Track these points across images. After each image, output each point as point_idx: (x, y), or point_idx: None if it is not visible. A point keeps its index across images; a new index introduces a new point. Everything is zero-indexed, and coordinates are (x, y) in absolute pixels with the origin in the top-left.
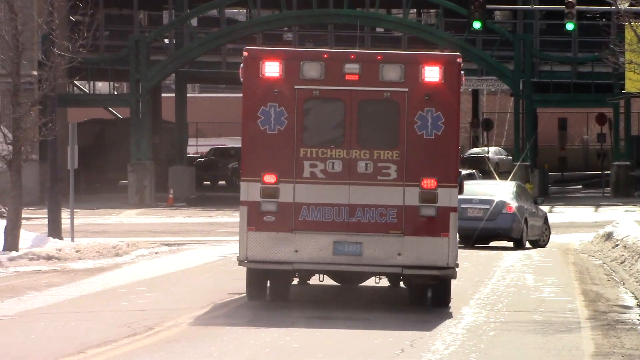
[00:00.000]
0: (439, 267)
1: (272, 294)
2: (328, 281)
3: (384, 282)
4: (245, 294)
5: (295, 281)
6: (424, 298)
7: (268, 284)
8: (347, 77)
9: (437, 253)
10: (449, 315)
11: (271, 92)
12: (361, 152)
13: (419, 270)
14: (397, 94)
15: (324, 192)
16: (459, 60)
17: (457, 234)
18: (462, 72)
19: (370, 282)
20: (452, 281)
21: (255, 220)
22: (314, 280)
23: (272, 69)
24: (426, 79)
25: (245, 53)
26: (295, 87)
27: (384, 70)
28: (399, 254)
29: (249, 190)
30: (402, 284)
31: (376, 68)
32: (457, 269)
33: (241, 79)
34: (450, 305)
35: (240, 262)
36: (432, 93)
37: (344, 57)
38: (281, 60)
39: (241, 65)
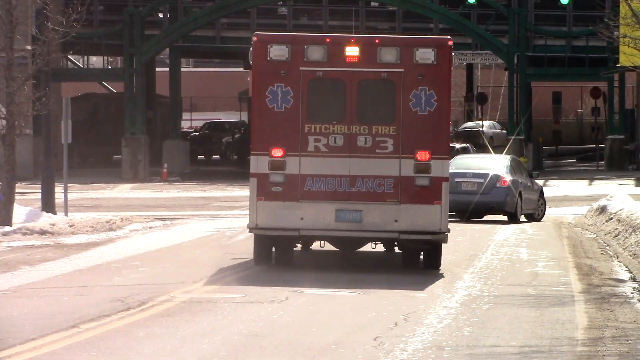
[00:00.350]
0: (432, 232)
1: (278, 258)
2: (328, 247)
3: (380, 248)
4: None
5: (299, 247)
6: (417, 262)
7: (273, 250)
8: (348, 60)
9: (430, 219)
10: (443, 289)
11: (278, 73)
12: (361, 127)
13: (414, 235)
14: (394, 74)
15: (327, 165)
16: (450, 43)
17: (451, 207)
18: (452, 53)
19: (367, 247)
20: (447, 255)
21: (264, 190)
22: (315, 245)
23: (279, 52)
24: (420, 61)
25: (254, 38)
26: (301, 68)
27: (381, 52)
28: (396, 221)
29: (258, 163)
30: (396, 249)
31: (374, 51)
32: (448, 234)
33: (250, 62)
34: (440, 267)
35: (251, 229)
36: (426, 73)
37: (344, 41)
38: (287, 44)
39: (250, 49)
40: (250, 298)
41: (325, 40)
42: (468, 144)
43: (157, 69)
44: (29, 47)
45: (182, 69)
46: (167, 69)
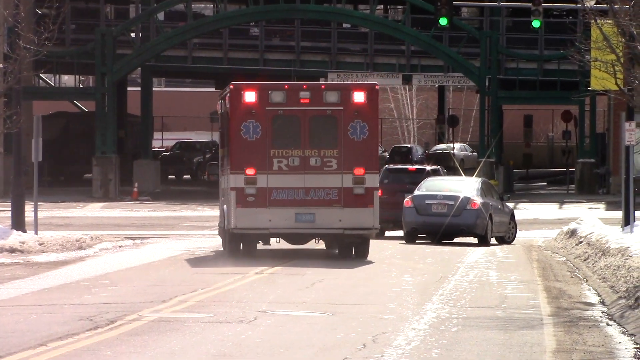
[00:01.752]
0: (367, 228)
1: (244, 251)
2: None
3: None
4: (211, 284)
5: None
6: (350, 254)
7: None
8: (301, 101)
9: (365, 219)
10: (412, 311)
11: (250, 112)
12: (312, 151)
13: (354, 231)
14: (336, 111)
15: (287, 180)
16: (377, 87)
17: (422, 229)
18: (378, 95)
19: (311, 244)
20: (417, 277)
21: (241, 200)
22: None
23: (250, 96)
24: (355, 101)
25: (231, 86)
26: (266, 108)
27: (326, 95)
28: (340, 220)
29: (236, 180)
30: (332, 245)
31: (321, 94)
32: (377, 230)
33: (227, 105)
34: (368, 257)
35: (232, 229)
36: (359, 110)
37: (299, 87)
38: (256, 90)
39: (227, 94)
40: (219, 318)
41: (284, 87)
42: (439, 166)
43: (128, 88)
44: (0, 65)
45: (154, 89)
46: (139, 89)
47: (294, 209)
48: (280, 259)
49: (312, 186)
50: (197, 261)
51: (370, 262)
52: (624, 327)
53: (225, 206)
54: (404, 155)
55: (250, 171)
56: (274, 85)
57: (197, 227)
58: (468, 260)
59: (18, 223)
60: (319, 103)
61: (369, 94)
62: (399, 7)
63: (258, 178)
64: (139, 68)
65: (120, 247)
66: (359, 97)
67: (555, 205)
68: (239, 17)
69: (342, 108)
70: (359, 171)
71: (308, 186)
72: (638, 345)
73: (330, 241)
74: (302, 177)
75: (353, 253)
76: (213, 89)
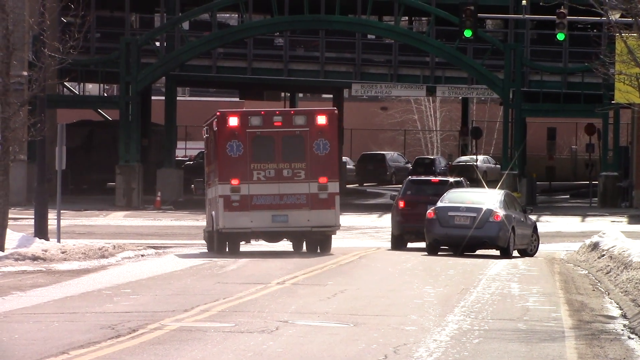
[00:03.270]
0: (330, 226)
1: (230, 250)
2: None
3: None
4: (234, 294)
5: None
6: (315, 249)
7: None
8: (275, 124)
9: (329, 218)
10: (434, 322)
11: (233, 134)
12: (284, 164)
13: (320, 229)
14: (303, 131)
15: (265, 188)
16: (336, 112)
17: (445, 241)
18: (337, 119)
19: (286, 245)
20: (439, 289)
21: (227, 205)
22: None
23: (233, 121)
24: (318, 123)
25: (217, 113)
26: (247, 130)
27: (295, 119)
28: (309, 220)
29: (224, 189)
30: (298, 246)
31: (291, 118)
32: (339, 228)
33: (215, 128)
34: (331, 252)
35: (220, 229)
36: (322, 130)
37: (273, 113)
38: (238, 116)
39: (214, 120)
40: (241, 327)
41: (261, 112)
42: (462, 178)
43: (152, 98)
44: (25, 73)
45: (178, 98)
46: (163, 98)
47: (271, 212)
48: (301, 269)
49: (285, 192)
50: (219, 271)
51: (391, 275)
52: None
53: (213, 212)
54: (427, 166)
55: (234, 181)
56: (252, 112)
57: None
58: (490, 272)
59: (41, 231)
60: (289, 125)
61: (330, 117)
62: (423, 18)
63: (241, 187)
64: (163, 77)
65: (142, 256)
66: (321, 120)
67: (578, 219)
68: (264, 27)
69: (308, 129)
70: (322, 179)
71: (282, 193)
72: None
73: (298, 240)
74: (277, 186)
75: (318, 249)
76: (237, 99)
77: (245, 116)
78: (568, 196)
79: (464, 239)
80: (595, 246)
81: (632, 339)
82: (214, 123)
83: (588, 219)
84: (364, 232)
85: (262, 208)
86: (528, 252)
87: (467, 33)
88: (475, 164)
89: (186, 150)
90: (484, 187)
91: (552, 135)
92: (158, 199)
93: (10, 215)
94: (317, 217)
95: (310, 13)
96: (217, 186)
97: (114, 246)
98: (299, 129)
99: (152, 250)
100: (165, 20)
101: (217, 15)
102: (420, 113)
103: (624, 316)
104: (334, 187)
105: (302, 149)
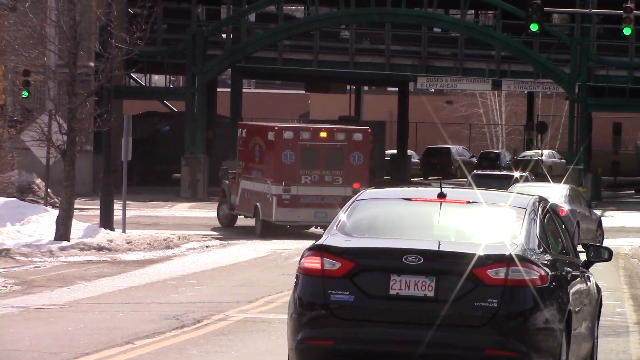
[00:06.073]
0: None
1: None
2: None
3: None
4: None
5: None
6: None
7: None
8: (321, 138)
9: None
10: None
11: (288, 145)
12: (326, 171)
13: None
14: (343, 145)
15: (310, 189)
16: (369, 130)
17: None
18: (370, 136)
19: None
20: None
21: (280, 202)
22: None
23: (288, 135)
24: (355, 139)
25: (276, 127)
26: (299, 142)
27: (337, 135)
28: None
29: (277, 189)
30: None
31: (333, 134)
32: None
33: (271, 138)
34: None
35: (274, 221)
36: (357, 145)
37: (319, 129)
38: (293, 130)
39: (274, 132)
40: None
41: (310, 128)
42: (527, 173)
43: (218, 89)
44: (92, 64)
45: (244, 90)
46: (229, 90)
47: (314, 209)
48: None
49: (325, 194)
50: (283, 262)
51: None
52: None
53: (258, 203)
54: (492, 160)
55: (286, 183)
56: (303, 127)
57: (282, 228)
58: None
59: (106, 221)
60: (332, 140)
61: (364, 135)
62: (489, 12)
63: (291, 188)
64: (229, 69)
65: (207, 247)
66: (357, 137)
67: None
68: (330, 19)
69: (346, 143)
70: (356, 185)
71: (323, 194)
72: None
73: None
74: (319, 188)
75: None
76: (303, 91)
77: (298, 131)
78: (633, 191)
79: None
80: None
81: None
82: (271, 134)
83: None
84: None
85: (307, 206)
86: None
87: (534, 27)
88: (540, 158)
89: None
90: (549, 181)
91: (617, 130)
92: None
93: (76, 206)
94: None
95: (376, 6)
96: (272, 186)
97: (179, 237)
98: (339, 143)
99: (217, 242)
100: (232, 12)
101: (283, 7)
102: (485, 107)
103: None
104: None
105: (341, 159)
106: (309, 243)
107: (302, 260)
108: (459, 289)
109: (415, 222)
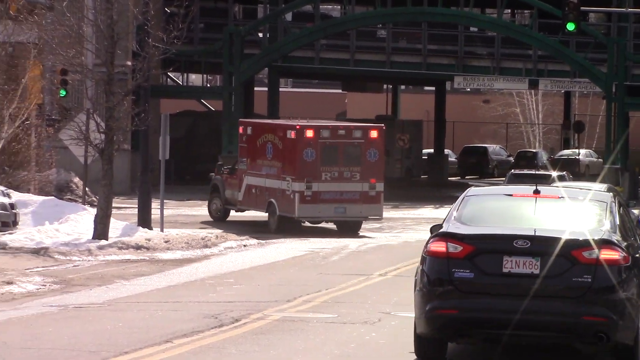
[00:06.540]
0: (378, 217)
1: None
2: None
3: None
4: (335, 285)
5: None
6: (358, 231)
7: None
8: (339, 135)
9: (377, 211)
10: None
11: (309, 143)
12: (345, 167)
13: (369, 218)
14: (360, 142)
15: (330, 186)
16: (384, 127)
17: None
18: (384, 133)
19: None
20: None
21: (302, 198)
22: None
23: (309, 133)
24: (371, 136)
25: (297, 127)
26: (319, 140)
27: (354, 132)
28: (361, 212)
29: (300, 186)
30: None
31: (351, 132)
32: (382, 218)
33: (292, 136)
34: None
35: (296, 217)
36: (373, 142)
37: (338, 127)
38: (313, 129)
39: (295, 131)
40: (343, 318)
41: (329, 127)
42: (564, 172)
43: (255, 88)
44: (129, 63)
45: (281, 89)
46: (266, 89)
47: (334, 205)
48: (403, 260)
49: (344, 190)
50: (321, 262)
51: None
52: None
53: (273, 199)
54: (529, 160)
55: (308, 179)
56: (323, 126)
57: (318, 228)
58: None
59: (144, 220)
60: (350, 137)
61: (379, 132)
62: (526, 11)
63: (313, 185)
64: (266, 68)
65: (245, 246)
66: (373, 134)
67: None
68: (366, 19)
69: (363, 141)
70: (372, 180)
71: (342, 190)
72: None
73: (346, 225)
74: (339, 184)
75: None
76: (339, 91)
77: (318, 129)
78: None
79: None
80: None
81: None
82: (292, 133)
83: None
84: None
85: (327, 202)
86: None
87: (570, 26)
88: (577, 157)
89: None
90: (586, 181)
91: None
92: None
93: (113, 205)
94: (367, 209)
95: (412, 5)
96: (293, 183)
97: (217, 236)
98: (357, 140)
99: (255, 241)
100: (268, 11)
101: (320, 6)
102: (522, 106)
103: None
104: (380, 186)
105: (359, 156)
106: (344, 242)
107: (428, 245)
108: (559, 267)
109: (518, 213)
